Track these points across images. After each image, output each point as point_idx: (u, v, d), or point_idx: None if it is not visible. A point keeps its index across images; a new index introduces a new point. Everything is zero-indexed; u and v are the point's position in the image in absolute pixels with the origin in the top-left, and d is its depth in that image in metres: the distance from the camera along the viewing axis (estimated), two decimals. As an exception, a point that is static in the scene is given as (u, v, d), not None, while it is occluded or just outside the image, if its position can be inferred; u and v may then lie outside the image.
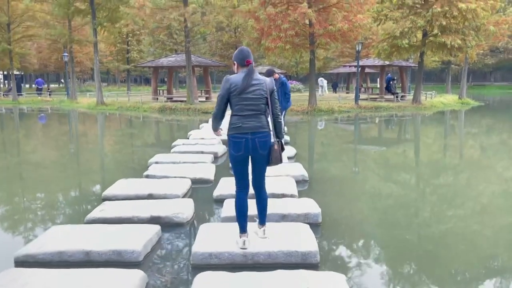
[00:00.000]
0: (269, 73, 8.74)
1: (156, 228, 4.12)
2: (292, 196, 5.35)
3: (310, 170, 6.79)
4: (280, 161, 3.66)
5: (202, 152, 8.52)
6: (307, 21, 19.38)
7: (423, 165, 8.57)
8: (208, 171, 6.74)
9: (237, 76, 3.50)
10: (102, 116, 21.70)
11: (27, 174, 7.80)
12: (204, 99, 26.57)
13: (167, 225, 4.49)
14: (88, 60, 42.47)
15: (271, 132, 3.61)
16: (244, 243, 3.59)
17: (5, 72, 52.86)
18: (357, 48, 23.02)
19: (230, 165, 3.74)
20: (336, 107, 21.85)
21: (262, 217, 3.80)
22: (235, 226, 3.77)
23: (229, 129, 3.54)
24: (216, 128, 3.72)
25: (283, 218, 4.49)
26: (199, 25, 23.30)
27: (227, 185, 5.70)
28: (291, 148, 8.92)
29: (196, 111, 21.71)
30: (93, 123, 19.62)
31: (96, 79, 26.01)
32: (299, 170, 6.70)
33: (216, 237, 3.84)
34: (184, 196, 5.53)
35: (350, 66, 30.90)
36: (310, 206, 4.73)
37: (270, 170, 5.03)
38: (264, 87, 3.53)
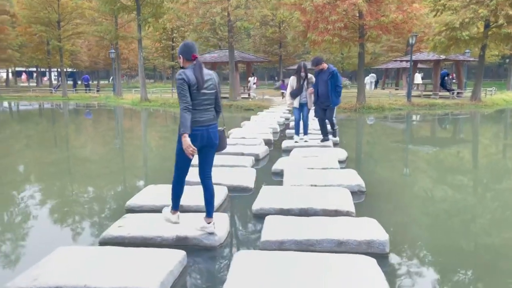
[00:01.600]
0: (316, 62, 7.82)
1: (180, 255, 3.31)
2: (348, 213, 4.39)
3: (366, 178, 5.79)
4: (225, 147, 3.95)
5: (242, 154, 7.70)
6: (356, 12, 18.14)
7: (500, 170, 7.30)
8: (247, 177, 5.90)
9: (188, 71, 3.51)
10: (145, 112, 21.50)
11: (52, 173, 7.33)
12: (246, 96, 25.87)
13: (195, 248, 3.69)
14: (134, 56, 43.00)
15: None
16: (178, 217, 3.97)
17: (59, 69, 55.03)
18: (410, 41, 21.37)
19: (176, 158, 3.76)
20: (386, 104, 20.42)
21: (210, 209, 3.81)
22: (277, 256, 3.12)
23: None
24: (188, 124, 3.50)
25: (340, 245, 3.55)
26: (242, 19, 22.55)
27: (269, 196, 4.84)
28: (341, 150, 7.91)
29: (238, 108, 21.04)
30: (135, 119, 19.40)
31: (140, 75, 25.98)
32: (354, 178, 5.70)
33: (254, 272, 2.98)
34: (218, 209, 4.71)
35: (401, 61, 29.03)
36: (373, 229, 3.75)
37: (319, 179, 5.32)
38: (214, 81, 3.67)
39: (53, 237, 4.20)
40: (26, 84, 56.08)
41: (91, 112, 22.74)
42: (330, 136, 8.64)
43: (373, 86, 36.67)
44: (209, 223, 3.75)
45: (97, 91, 36.29)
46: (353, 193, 5.18)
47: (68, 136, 13.15)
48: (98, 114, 22.06)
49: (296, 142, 8.64)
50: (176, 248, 3.62)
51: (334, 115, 8.31)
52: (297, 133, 8.76)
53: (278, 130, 11.83)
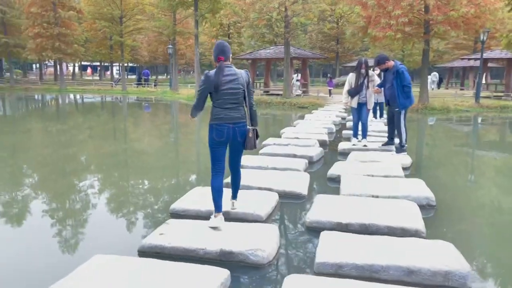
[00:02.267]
0: (378, 61, 7.09)
1: (223, 275, 2.92)
2: (417, 233, 3.79)
3: (434, 189, 5.11)
4: (255, 146, 3.95)
5: (295, 156, 7.22)
6: (422, 7, 16.97)
7: None
8: (300, 183, 5.42)
9: (212, 72, 3.74)
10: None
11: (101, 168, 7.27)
12: (300, 93, 25.26)
13: (240, 265, 3.29)
14: (191, 52, 43.53)
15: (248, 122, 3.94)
16: (218, 222, 3.78)
17: (127, 64, 57.03)
18: (481, 38, 19.71)
19: (210, 151, 3.93)
20: (451, 105, 19.00)
21: (235, 193, 4.26)
22: (336, 284, 2.69)
23: (212, 119, 3.83)
24: (194, 115, 4.05)
25: (410, 275, 2.99)
26: (299, 14, 21.94)
27: (325, 207, 4.34)
28: (405, 155, 7.19)
29: (292, 106, 20.53)
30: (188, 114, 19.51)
31: (196, 71, 26.16)
32: (422, 189, 5.04)
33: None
34: (267, 219, 4.29)
35: (469, 59, 27.04)
36: (450, 257, 3.15)
37: (381, 189, 4.96)
38: (241, 81, 3.76)
39: (92, 238, 3.98)
40: (90, 78, 58.94)
41: (148, 106, 23.21)
42: (393, 149, 7.60)
43: (435, 86, 34.62)
44: (232, 201, 4.27)
45: (155, 85, 37.23)
46: (420, 206, 4.54)
47: (125, 129, 13.35)
48: (154, 108, 22.47)
49: (353, 145, 8.01)
50: (220, 263, 3.26)
51: (403, 123, 7.10)
52: (355, 135, 8.13)
53: (334, 130, 11.20)
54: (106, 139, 11.10)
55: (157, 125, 14.88)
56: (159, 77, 58.12)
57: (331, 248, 3.31)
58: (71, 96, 30.87)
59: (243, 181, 5.19)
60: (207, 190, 4.96)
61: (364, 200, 4.60)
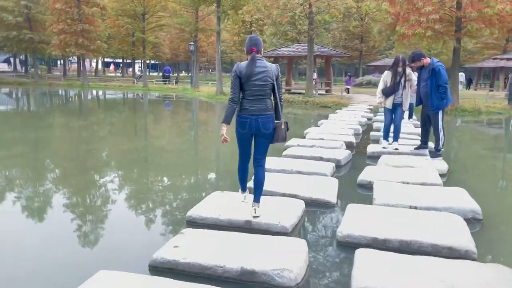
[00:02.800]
0: (413, 58, 6.51)
1: (244, 301, 2.51)
2: (467, 254, 3.29)
3: (479, 200, 4.57)
4: (285, 139, 4.03)
5: (321, 159, 6.75)
6: (455, 3, 16.18)
7: None
8: (328, 189, 4.96)
9: (243, 64, 3.82)
10: (220, 106, 21.26)
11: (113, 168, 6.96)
12: (324, 92, 24.67)
13: (264, 286, 2.86)
14: (212, 50, 43.37)
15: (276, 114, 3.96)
16: (245, 198, 4.24)
17: (148, 61, 57.29)
18: (516, 37, 18.77)
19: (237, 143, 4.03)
20: (483, 107, 18.11)
21: (257, 194, 3.98)
22: None
23: (238, 110, 3.87)
24: (230, 117, 3.86)
25: (466, 309, 2.52)
26: (324, 11, 21.35)
27: (358, 219, 3.88)
28: (440, 161, 6.62)
29: (314, 105, 19.97)
30: (210, 112, 19.18)
31: (217, 68, 25.89)
32: (465, 200, 4.51)
33: None
34: (293, 231, 3.86)
35: (501, 59, 25.92)
36: (513, 287, 2.67)
37: (419, 198, 4.51)
38: (270, 74, 3.81)
39: (99, 248, 3.62)
40: (113, 74, 59.49)
41: (168, 103, 23.06)
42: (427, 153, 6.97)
43: (461, 87, 33.43)
44: (254, 207, 3.95)
45: (176, 82, 37.15)
46: (465, 220, 4.03)
47: (145, 125, 13.10)
48: (174, 105, 22.29)
49: (384, 148, 7.47)
50: (240, 284, 2.85)
51: (441, 125, 6.50)
52: (386, 137, 7.60)
53: (360, 131, 10.66)
54: (124, 136, 10.84)
55: (177, 122, 14.60)
56: (181, 74, 58.19)
57: (368, 271, 2.85)
58: (93, 92, 31.03)
59: (266, 186, 4.78)
60: (227, 196, 4.58)
61: (401, 212, 4.11)
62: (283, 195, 4.76)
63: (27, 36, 35.02)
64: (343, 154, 6.94)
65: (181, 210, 4.57)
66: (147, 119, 15.45)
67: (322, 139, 8.57)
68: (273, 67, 3.86)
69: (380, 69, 41.67)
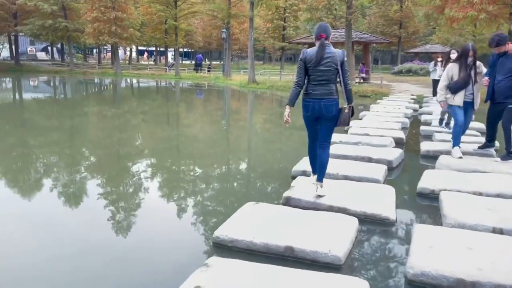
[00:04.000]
0: (499, 40, 5.24)
1: None
2: None
3: None
4: (348, 124, 4.14)
5: (370, 160, 5.86)
6: (512, -18, 14.63)
7: None
8: (385, 201, 4.10)
9: (312, 50, 3.96)
10: (252, 95, 20.49)
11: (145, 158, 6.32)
12: (361, 80, 23.39)
13: None
14: (244, 37, 42.45)
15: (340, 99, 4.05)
16: (315, 179, 4.18)
17: (181, 49, 56.97)
18: None
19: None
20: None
21: (320, 174, 4.14)
22: None
23: (303, 94, 4.08)
24: (294, 100, 4.04)
25: None
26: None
27: (431, 246, 3.01)
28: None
29: (353, 94, 18.76)
30: (242, 101, 18.45)
31: (250, 56, 25.07)
32: None
33: None
34: (345, 261, 3.04)
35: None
36: None
37: (505, 218, 3.70)
38: (335, 60, 3.90)
39: (100, 276, 2.94)
40: (146, 63, 59.72)
41: (200, 92, 22.51)
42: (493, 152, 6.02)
43: None
44: (316, 186, 4.15)
45: (208, 71, 36.57)
46: None
47: (176, 115, 12.51)
48: (206, 94, 21.72)
49: (460, 157, 5.77)
50: None
51: None
52: (457, 143, 5.98)
53: (408, 125, 9.60)
54: (155, 126, 10.26)
55: (208, 112, 13.93)
56: (213, 62, 57.65)
57: None
58: (126, 80, 30.93)
59: (309, 195, 4.01)
60: (263, 209, 3.80)
61: (487, 238, 3.21)
62: (331, 208, 3.94)
63: (62, 24, 35.23)
64: (395, 154, 6.01)
65: (208, 226, 3.85)
66: (179, 108, 14.95)
67: (368, 134, 7.63)
68: (339, 53, 3.94)
69: (420, 57, 39.60)
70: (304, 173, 5.10)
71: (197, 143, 8.30)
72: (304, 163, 5.42)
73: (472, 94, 5.88)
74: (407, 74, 29.76)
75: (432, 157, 6.32)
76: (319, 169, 4.15)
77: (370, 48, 42.65)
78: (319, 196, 4.07)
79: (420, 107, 13.39)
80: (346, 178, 4.93)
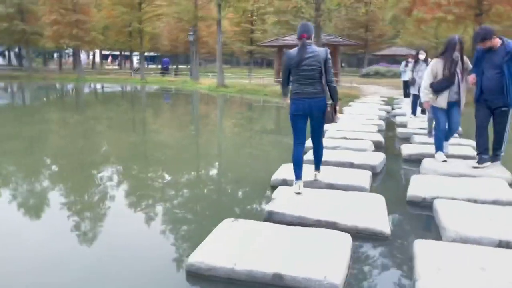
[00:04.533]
0: (483, 36, 4.66)
1: None
2: None
3: None
4: (332, 121, 4.25)
5: (352, 165, 5.49)
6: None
7: None
8: (375, 212, 3.72)
9: (294, 50, 4.03)
10: (222, 99, 19.98)
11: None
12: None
13: None
14: (212, 40, 41.81)
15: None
16: (299, 188, 4.10)
17: (147, 53, 55.69)
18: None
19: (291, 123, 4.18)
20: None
21: (317, 164, 4.51)
22: None
23: (291, 94, 4.13)
24: (286, 93, 4.28)
25: None
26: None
27: (437, 266, 2.63)
28: (501, 167, 5.30)
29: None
30: (212, 105, 17.91)
31: (218, 59, 24.56)
32: None
33: None
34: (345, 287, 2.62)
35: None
36: None
37: (507, 230, 3.36)
38: (318, 58, 3.94)
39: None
40: (110, 67, 58.02)
41: (168, 96, 21.80)
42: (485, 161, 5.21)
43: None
44: (314, 173, 4.49)
45: (175, 75, 35.70)
46: None
47: (142, 120, 11.84)
48: (174, 98, 21.04)
49: (444, 161, 5.45)
50: None
51: (508, 127, 5.08)
52: (440, 147, 5.61)
53: (384, 127, 9.36)
54: (117, 136, 9.59)
55: (177, 118, 13.33)
56: (180, 66, 56.59)
57: None
58: (90, 85, 29.71)
59: (292, 210, 3.56)
60: (241, 227, 3.33)
61: (497, 255, 2.86)
62: (318, 223, 3.52)
63: (19, 27, 33.54)
64: (378, 159, 5.68)
65: (180, 250, 3.34)
66: (146, 113, 14.26)
67: (346, 138, 7.30)
68: (322, 51, 3.98)
69: (387, 59, 40.25)
70: (285, 182, 4.67)
71: (166, 150, 7.73)
72: (284, 171, 5.00)
73: (458, 93, 5.38)
74: (375, 77, 30.04)
75: (414, 161, 6.05)
76: (316, 160, 4.48)
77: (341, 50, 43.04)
78: (315, 181, 4.46)
79: (392, 108, 13.30)
80: (330, 186, 4.53)
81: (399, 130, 8.53)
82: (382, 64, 34.38)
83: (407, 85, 13.87)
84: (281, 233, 3.22)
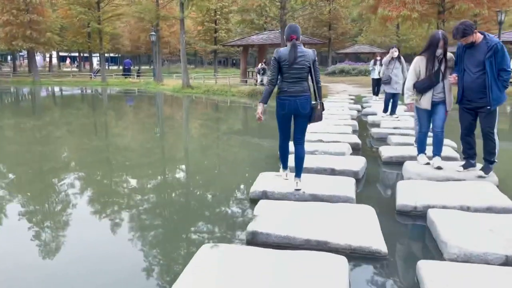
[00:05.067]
0: (463, 31, 4.46)
1: None
2: None
3: None
4: (321, 119, 4.32)
5: (333, 171, 5.19)
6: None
7: None
8: (368, 227, 3.41)
9: (285, 49, 4.12)
10: (188, 100, 19.39)
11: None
12: (265, 87, 23.15)
13: None
14: (175, 40, 40.96)
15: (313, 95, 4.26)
16: (286, 175, 4.59)
17: (108, 54, 53.88)
18: (499, 18, 17.87)
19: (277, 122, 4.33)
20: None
21: (298, 171, 4.36)
22: None
23: (278, 92, 4.24)
24: (267, 96, 4.23)
25: None
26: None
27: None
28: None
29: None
30: (177, 107, 17.30)
31: (182, 59, 23.86)
32: None
33: None
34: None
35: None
36: None
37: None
38: (307, 58, 4.10)
39: None
40: (69, 69, 55.80)
41: (130, 99, 20.97)
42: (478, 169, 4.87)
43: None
44: (296, 181, 4.32)
45: (137, 76, 34.57)
46: None
47: (104, 124, 11.13)
48: (137, 100, 20.22)
49: (427, 163, 5.18)
50: None
51: (495, 128, 4.65)
52: (423, 149, 5.33)
53: (357, 127, 9.14)
54: (77, 141, 8.90)
55: (141, 121, 12.68)
56: (143, 67, 55.13)
57: None
58: (47, 89, 28.25)
59: (276, 230, 3.19)
60: (223, 254, 2.92)
61: (508, 275, 2.59)
62: (307, 242, 3.17)
63: (-33, 28, 31.51)
64: (359, 164, 5.40)
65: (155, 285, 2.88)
66: (107, 117, 13.52)
67: (321, 141, 7.00)
68: (310, 52, 4.13)
69: (350, 57, 40.72)
70: (265, 195, 4.29)
71: (130, 155, 7.19)
72: (262, 181, 4.61)
73: (443, 93, 4.95)
74: (340, 75, 30.21)
75: (395, 163, 5.83)
76: (297, 165, 4.35)
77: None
78: (297, 190, 4.23)
79: (362, 107, 13.20)
80: (314, 198, 4.19)
81: (374, 130, 8.33)
82: (346, 62, 34.63)
83: (376, 83, 13.90)
84: (267, 259, 2.83)
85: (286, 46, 4.13)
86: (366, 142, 7.89)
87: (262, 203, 3.95)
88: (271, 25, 36.71)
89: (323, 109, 4.29)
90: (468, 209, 3.81)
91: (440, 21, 15.73)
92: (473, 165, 4.90)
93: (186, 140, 9.36)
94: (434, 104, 5.02)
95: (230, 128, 11.39)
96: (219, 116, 14.24)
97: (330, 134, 7.51)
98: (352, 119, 10.25)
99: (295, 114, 4.20)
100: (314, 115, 4.22)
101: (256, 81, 22.49)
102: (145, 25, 36.46)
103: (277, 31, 22.32)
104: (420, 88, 5.04)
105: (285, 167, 4.63)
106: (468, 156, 4.89)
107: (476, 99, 4.61)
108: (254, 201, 4.16)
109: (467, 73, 4.64)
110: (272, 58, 4.17)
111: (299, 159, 4.33)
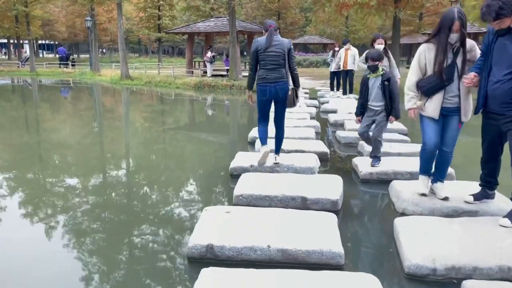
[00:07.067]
0: (497, 11, 2.93)
1: None
2: None
3: None
4: (294, 104, 4.68)
5: (305, 202, 3.80)
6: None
7: None
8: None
9: (262, 38, 4.57)
10: (126, 93, 17.41)
11: None
12: (248, 74, 21.76)
13: None
14: (115, 26, 37.96)
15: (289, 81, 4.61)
16: (267, 148, 4.73)
17: (41, 41, 49.09)
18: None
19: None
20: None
21: (277, 148, 4.90)
22: None
23: (257, 79, 4.58)
24: (251, 84, 4.69)
25: None
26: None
27: None
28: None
29: (241, 89, 16.85)
30: (116, 101, 15.30)
31: (120, 47, 21.61)
32: None
33: None
34: None
35: (427, 34, 25.07)
36: None
37: None
38: (283, 46, 4.46)
39: None
40: (-4, 57, 50.68)
41: (63, 90, 18.63)
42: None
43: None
44: (274, 156, 4.84)
45: (72, 65, 31.42)
46: None
47: (35, 118, 9.10)
48: (71, 92, 17.90)
49: (430, 190, 3.86)
50: None
51: None
52: (426, 171, 3.83)
53: (320, 129, 7.87)
54: (5, 136, 6.94)
55: (75, 115, 10.70)
56: (82, 56, 51.05)
57: None
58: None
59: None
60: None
61: None
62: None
63: None
64: (336, 188, 4.05)
65: None
66: (38, 110, 11.65)
67: (283, 150, 5.63)
68: (285, 41, 4.52)
69: (299, 47, 39.85)
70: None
71: (65, 152, 5.47)
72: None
73: (457, 96, 3.49)
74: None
75: (376, 182, 4.64)
76: (276, 144, 4.85)
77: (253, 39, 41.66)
78: (275, 164, 4.75)
79: (320, 102, 12.06)
80: (285, 256, 2.80)
81: (340, 134, 7.05)
82: (297, 53, 33.69)
83: (334, 76, 12.78)
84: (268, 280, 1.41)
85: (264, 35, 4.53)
86: (331, 146, 6.66)
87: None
88: (218, 13, 34.86)
89: (296, 96, 4.62)
90: (509, 271, 2.60)
91: (398, 10, 14.89)
92: (490, 197, 3.64)
93: (129, 138, 7.65)
94: (445, 112, 3.56)
95: (175, 126, 9.77)
96: (162, 109, 12.51)
97: (291, 140, 6.15)
98: (312, 118, 9.03)
99: (275, 99, 4.57)
100: (286, 100, 4.56)
101: (205, 72, 20.76)
102: (81, 9, 33.40)
103: (225, 18, 20.69)
104: (426, 88, 3.56)
105: (264, 143, 4.75)
106: (485, 184, 3.61)
107: (502, 109, 3.19)
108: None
109: (493, 73, 3.22)
110: (252, 49, 4.51)
111: (279, 139, 4.84)
